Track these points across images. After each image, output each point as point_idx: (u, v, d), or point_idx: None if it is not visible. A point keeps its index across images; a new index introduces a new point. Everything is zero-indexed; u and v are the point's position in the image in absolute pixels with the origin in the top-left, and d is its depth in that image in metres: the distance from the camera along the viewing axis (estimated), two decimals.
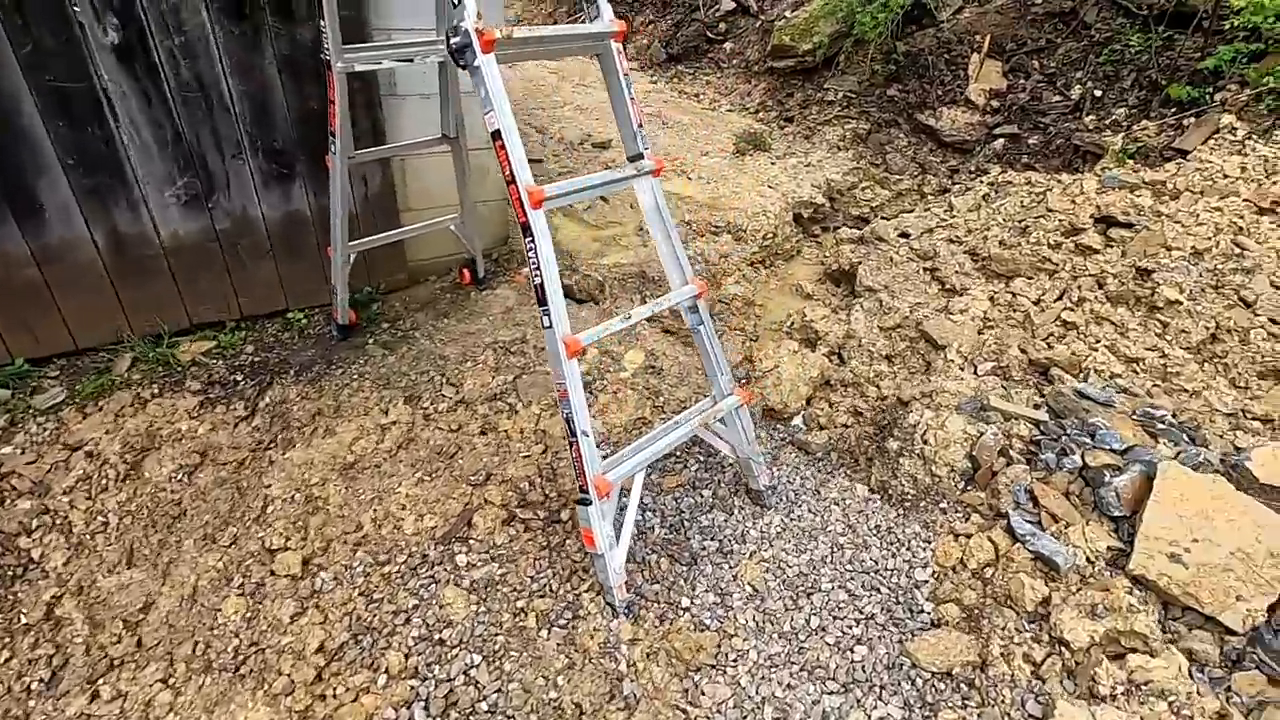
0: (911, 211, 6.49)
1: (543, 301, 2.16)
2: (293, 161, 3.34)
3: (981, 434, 3.04)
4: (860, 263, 5.22)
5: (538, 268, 2.12)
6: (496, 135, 2.08)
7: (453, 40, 1.98)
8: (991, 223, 5.21)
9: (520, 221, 2.13)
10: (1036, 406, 3.19)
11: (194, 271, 3.32)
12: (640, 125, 2.52)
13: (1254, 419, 3.59)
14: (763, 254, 5.81)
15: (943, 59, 7.23)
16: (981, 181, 6.17)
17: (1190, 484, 2.59)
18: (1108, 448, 2.82)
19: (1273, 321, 3.93)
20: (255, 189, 3.32)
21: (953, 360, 3.88)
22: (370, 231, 3.56)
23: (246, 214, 3.35)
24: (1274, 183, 4.75)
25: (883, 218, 6.75)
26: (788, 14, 8.67)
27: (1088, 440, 2.87)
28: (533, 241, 2.11)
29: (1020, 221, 5.06)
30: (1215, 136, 5.31)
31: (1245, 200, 4.65)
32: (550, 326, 2.16)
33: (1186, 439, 3.20)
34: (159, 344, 3.26)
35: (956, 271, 4.77)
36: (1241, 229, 4.48)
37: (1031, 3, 7.10)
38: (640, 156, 2.50)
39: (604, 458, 2.46)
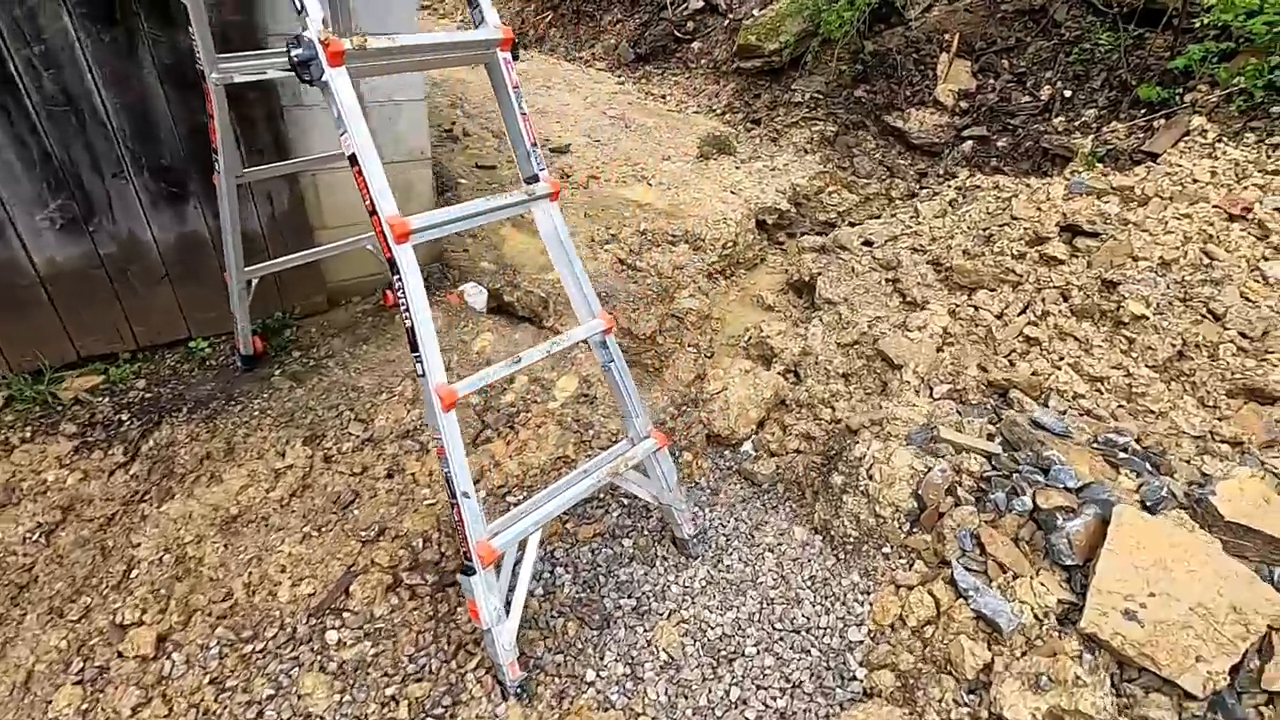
0: (878, 218, 6.28)
1: (414, 347, 1.91)
2: (184, 179, 3.07)
3: (929, 469, 2.81)
4: (820, 274, 4.99)
5: (407, 310, 1.87)
6: (353, 160, 1.82)
7: (294, 52, 1.72)
8: (956, 231, 5.00)
9: (385, 257, 1.87)
10: (990, 437, 2.97)
11: (77, 301, 3.04)
12: (535, 144, 2.27)
13: (1222, 441, 3.39)
14: (723, 263, 5.57)
15: (911, 59, 7.01)
16: (949, 186, 5.96)
17: (1148, 530, 2.38)
18: (1061, 486, 2.60)
19: (1243, 335, 3.73)
20: (143, 210, 3.05)
21: (908, 381, 3.65)
22: (280, 252, 3.29)
23: (135, 237, 3.07)
24: (1244, 188, 4.56)
25: (850, 223, 6.54)
26: (756, 12, 8.43)
27: (1040, 478, 2.65)
28: (400, 279, 1.86)
29: (985, 229, 4.85)
30: (1185, 139, 5.12)
31: (1215, 206, 4.45)
32: (424, 375, 1.91)
33: (1150, 468, 2.98)
34: (38, 380, 2.99)
35: (919, 283, 4.55)
36: (1211, 237, 4.29)
37: (1001, 1, 6.89)
38: (535, 179, 2.24)
39: (506, 510, 2.20)
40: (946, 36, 6.97)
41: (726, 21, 8.84)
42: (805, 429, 3.80)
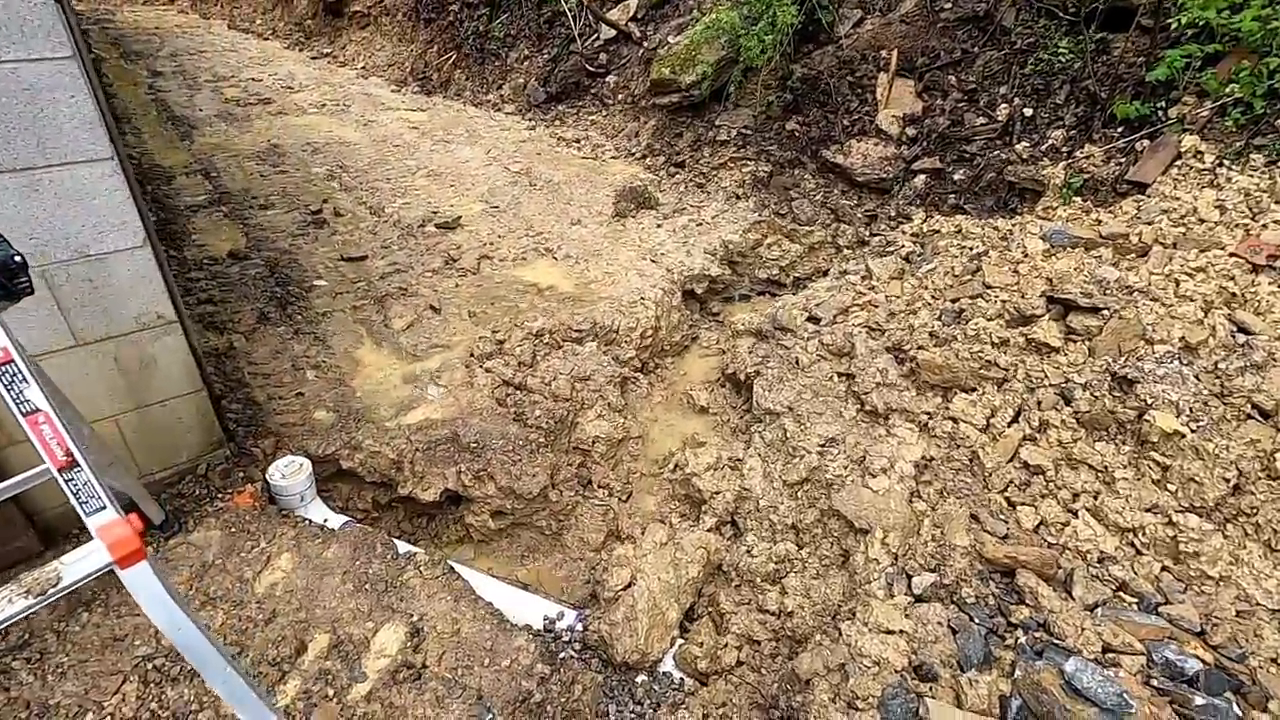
0: (826, 272, 5.35)
1: None
2: None
3: None
4: (759, 373, 4.01)
5: None
6: None
7: None
8: (918, 303, 4.06)
9: None
10: (1003, 700, 1.98)
11: None
12: (69, 465, 1.23)
13: None
14: (643, 357, 4.57)
15: (846, 82, 6.13)
16: (903, 233, 5.05)
17: None
18: None
19: None
20: None
21: (876, 559, 2.67)
22: None
23: None
24: (1263, 226, 3.69)
25: (795, 279, 5.61)
26: (671, 39, 7.52)
27: None
28: None
29: (954, 301, 3.91)
30: (1178, 164, 4.26)
31: (1232, 255, 3.57)
32: None
33: (1236, 709, 2.02)
34: None
35: (879, 383, 3.59)
36: (1235, 296, 3.39)
37: (940, 9, 6.04)
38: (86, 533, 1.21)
39: None
40: (884, 54, 6.10)
41: (641, 51, 7.92)
42: (747, 626, 2.80)
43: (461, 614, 2.41)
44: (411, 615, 2.39)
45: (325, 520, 2.99)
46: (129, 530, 1.32)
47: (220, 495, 2.77)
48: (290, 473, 2.97)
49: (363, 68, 11.17)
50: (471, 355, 4.06)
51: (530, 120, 8.43)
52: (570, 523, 3.46)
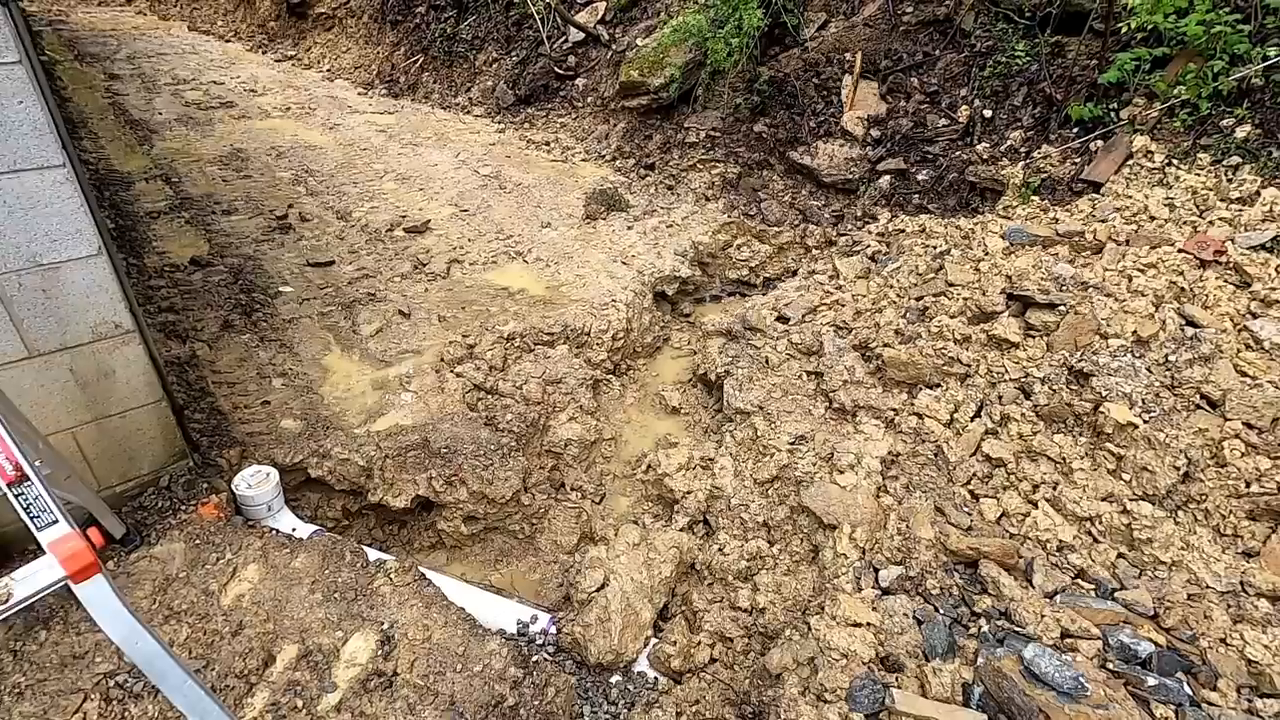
0: (795, 273, 5.42)
1: None
2: None
3: None
4: (729, 372, 4.05)
5: None
6: None
7: None
8: (884, 301, 4.14)
9: None
10: (966, 688, 2.03)
11: None
12: (19, 479, 1.21)
13: (1259, 595, 2.56)
14: (615, 359, 4.59)
15: (811, 84, 6.21)
16: (869, 233, 5.14)
17: None
18: None
19: (1249, 427, 2.93)
20: None
21: (845, 554, 2.71)
22: None
23: None
24: (1210, 223, 3.83)
25: (765, 279, 5.66)
26: (640, 41, 7.55)
27: None
28: None
29: (918, 299, 3.99)
30: (1129, 164, 4.40)
31: (1181, 251, 3.70)
32: None
33: (1187, 691, 2.10)
34: None
35: (846, 380, 3.65)
36: (1184, 291, 3.52)
37: (902, 12, 6.16)
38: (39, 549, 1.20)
39: None
40: (848, 56, 6.20)
41: (610, 54, 7.94)
42: (719, 624, 2.83)
43: (433, 620, 2.40)
44: (382, 623, 2.38)
45: (294, 530, 2.96)
46: (82, 544, 1.30)
47: (184, 507, 2.72)
48: (256, 482, 2.93)
49: (328, 70, 11.02)
50: (442, 360, 4.03)
51: (499, 123, 8.40)
52: (543, 526, 3.46)
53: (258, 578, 2.49)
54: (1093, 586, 2.51)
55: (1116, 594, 2.45)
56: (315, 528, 3.06)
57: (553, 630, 2.80)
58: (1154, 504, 2.73)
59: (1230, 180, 3.96)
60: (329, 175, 6.79)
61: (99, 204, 5.55)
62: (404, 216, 5.89)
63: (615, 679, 2.66)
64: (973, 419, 3.29)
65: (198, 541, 2.59)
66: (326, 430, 3.45)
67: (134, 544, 2.54)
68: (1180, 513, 2.77)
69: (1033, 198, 4.67)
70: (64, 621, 2.26)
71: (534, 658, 2.49)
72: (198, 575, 2.49)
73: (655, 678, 2.67)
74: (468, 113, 8.85)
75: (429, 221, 5.77)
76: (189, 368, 3.76)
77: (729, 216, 5.90)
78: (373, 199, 6.27)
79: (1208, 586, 2.58)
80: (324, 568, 2.57)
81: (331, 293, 4.74)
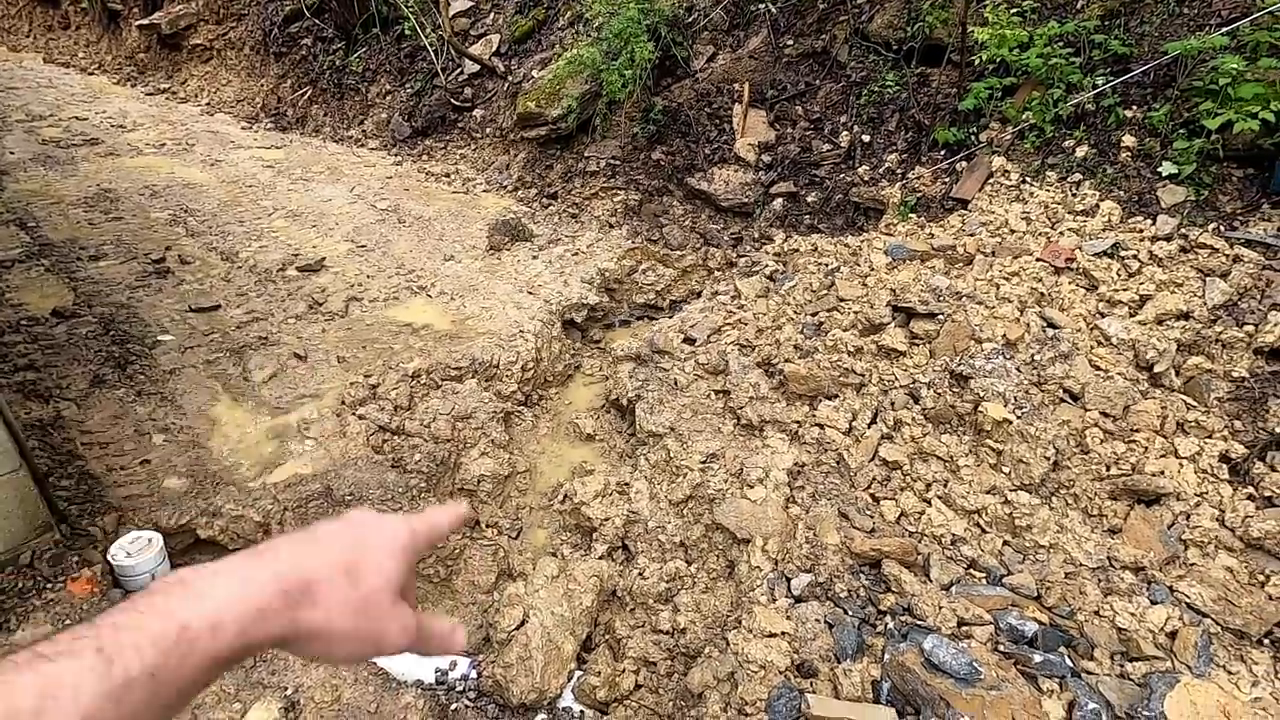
0: (699, 295, 5.57)
1: None
2: None
3: None
4: (639, 396, 4.10)
5: None
6: None
7: None
8: (783, 318, 4.32)
9: None
10: (875, 684, 2.12)
11: None
12: None
13: (1123, 568, 2.82)
14: (526, 390, 4.54)
15: (704, 113, 6.46)
16: (766, 253, 5.36)
17: None
18: None
19: (1105, 416, 3.25)
20: None
21: (759, 567, 2.79)
22: None
23: None
24: (1060, 234, 4.25)
25: (671, 302, 5.79)
26: (536, 73, 7.62)
27: None
28: None
29: (814, 315, 4.20)
30: (991, 182, 4.82)
31: (1039, 260, 4.08)
32: None
33: (1069, 663, 2.28)
34: None
35: (752, 397, 3.77)
36: (1043, 295, 3.87)
37: (784, 45, 6.53)
38: None
39: None
40: (736, 86, 6.50)
41: (506, 85, 7.96)
42: (643, 649, 2.83)
43: (342, 679, 2.28)
44: (285, 688, 2.23)
45: None
46: None
47: (51, 585, 2.47)
48: (137, 550, 2.69)
49: (207, 104, 10.47)
50: (343, 403, 3.87)
51: (396, 155, 8.23)
52: (459, 566, 3.36)
53: None
54: (983, 575, 2.69)
55: (1004, 580, 2.63)
56: None
57: (473, 675, 2.71)
58: (1030, 493, 2.97)
59: (1074, 195, 4.41)
60: (211, 214, 6.42)
61: None
62: (297, 255, 5.65)
63: (540, 718, 2.60)
64: (869, 425, 3.48)
65: (67, 622, 2.35)
66: (217, 486, 3.23)
67: None
68: (1053, 499, 3.03)
69: (910, 215, 5.02)
70: None
71: (453, 706, 2.41)
72: None
73: (581, 711, 2.64)
74: (362, 146, 8.63)
75: (324, 259, 5.56)
76: (53, 430, 3.44)
77: (633, 242, 6.01)
78: (261, 238, 5.98)
79: (1081, 565, 2.83)
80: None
81: (218, 339, 4.47)
